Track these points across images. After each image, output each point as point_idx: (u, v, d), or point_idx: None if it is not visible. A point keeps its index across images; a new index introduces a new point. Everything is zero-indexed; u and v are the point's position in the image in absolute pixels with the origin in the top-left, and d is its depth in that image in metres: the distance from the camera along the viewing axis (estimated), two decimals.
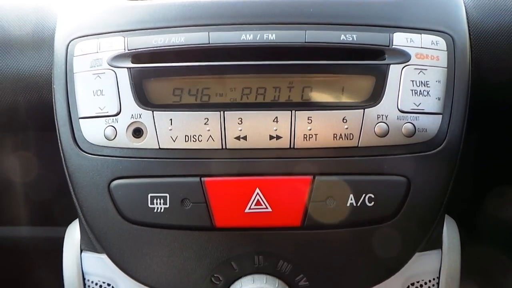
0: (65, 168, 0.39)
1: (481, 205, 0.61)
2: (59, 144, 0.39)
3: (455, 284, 0.40)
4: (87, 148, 0.37)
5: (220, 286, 0.37)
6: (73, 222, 0.42)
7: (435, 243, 0.39)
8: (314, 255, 0.36)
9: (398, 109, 0.37)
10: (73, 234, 0.41)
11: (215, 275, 0.37)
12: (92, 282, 0.40)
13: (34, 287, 0.65)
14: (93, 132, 0.37)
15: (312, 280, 0.37)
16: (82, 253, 0.40)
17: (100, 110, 0.37)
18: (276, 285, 0.36)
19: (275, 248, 0.36)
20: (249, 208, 0.36)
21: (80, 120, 0.38)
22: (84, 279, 0.40)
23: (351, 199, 0.36)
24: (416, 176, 0.37)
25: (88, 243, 0.40)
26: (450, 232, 0.40)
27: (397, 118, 0.37)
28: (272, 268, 0.37)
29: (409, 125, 0.37)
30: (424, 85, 0.37)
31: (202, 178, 0.36)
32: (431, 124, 0.37)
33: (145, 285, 0.38)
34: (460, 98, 0.38)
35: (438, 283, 0.39)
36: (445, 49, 0.38)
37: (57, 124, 0.38)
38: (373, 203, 0.36)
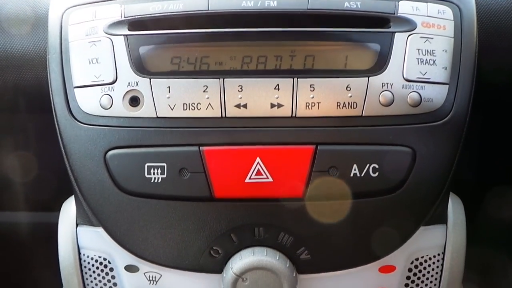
0: (59, 139, 0.37)
1: (486, 189, 0.60)
2: (54, 115, 0.38)
3: (461, 260, 0.39)
4: (82, 118, 0.36)
5: (219, 259, 0.36)
6: (68, 198, 0.41)
7: (440, 218, 0.38)
8: (316, 227, 0.35)
9: (404, 78, 0.35)
10: (68, 209, 0.40)
11: (214, 247, 0.36)
12: (88, 256, 0.38)
13: (32, 275, 0.65)
14: (88, 101, 0.36)
15: (314, 253, 0.36)
16: (78, 227, 0.39)
17: (96, 78, 0.36)
18: (277, 258, 0.35)
19: (276, 220, 0.35)
20: (249, 178, 0.34)
21: (75, 89, 0.36)
22: (79, 253, 0.39)
23: (355, 169, 0.34)
24: (422, 147, 0.36)
25: (84, 217, 0.38)
26: (455, 208, 0.39)
27: (402, 87, 0.35)
28: (273, 241, 0.36)
29: (415, 95, 0.35)
30: (430, 54, 0.36)
31: (200, 148, 0.35)
32: (437, 94, 0.36)
33: (142, 258, 0.37)
34: (466, 69, 0.37)
35: (443, 259, 0.38)
36: (452, 18, 0.37)
37: (52, 94, 0.37)
38: (377, 173, 0.35)
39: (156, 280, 0.38)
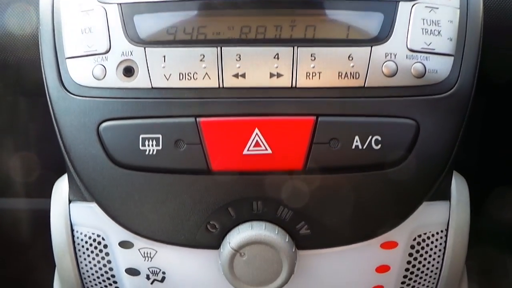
0: (51, 112, 0.36)
1: (488, 171, 0.60)
2: (45, 87, 0.36)
3: (465, 238, 0.37)
4: (74, 90, 0.35)
5: (216, 234, 0.35)
6: (61, 177, 0.40)
7: (444, 195, 0.37)
8: (316, 201, 0.34)
9: (408, 48, 0.34)
10: (60, 186, 0.38)
11: (210, 222, 0.34)
12: (81, 233, 0.37)
13: (28, 262, 0.64)
14: (80, 72, 0.34)
15: (314, 228, 0.34)
16: (70, 204, 0.37)
17: (89, 48, 0.34)
18: (276, 232, 0.34)
19: (275, 194, 0.34)
20: (248, 150, 0.33)
21: (67, 60, 0.35)
22: (72, 230, 0.37)
23: (357, 141, 0.33)
24: (426, 119, 0.34)
25: (77, 193, 0.37)
26: (459, 186, 0.37)
27: (406, 57, 0.34)
28: (272, 215, 0.34)
29: (419, 65, 0.34)
30: (435, 24, 0.35)
31: (197, 119, 0.33)
32: (442, 65, 0.34)
33: (136, 234, 0.35)
34: (472, 41, 0.35)
35: (446, 236, 0.37)
36: None
37: (43, 66, 0.36)
38: (380, 145, 0.33)
39: (151, 256, 0.36)
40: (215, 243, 0.35)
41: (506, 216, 0.60)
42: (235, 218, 0.34)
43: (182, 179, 0.34)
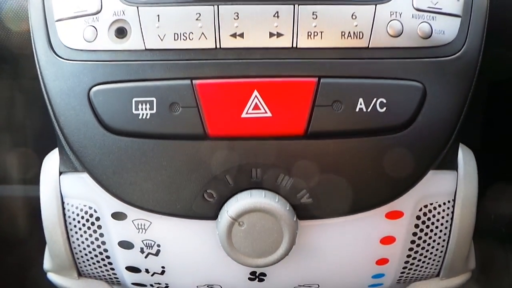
0: (40, 78, 0.34)
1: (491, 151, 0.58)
2: (34, 52, 0.35)
3: (472, 209, 0.36)
4: (64, 53, 0.33)
5: (214, 204, 0.33)
6: (52, 151, 0.38)
7: (451, 164, 0.35)
8: (319, 168, 0.32)
9: (413, 7, 0.32)
10: (51, 158, 0.36)
11: (207, 191, 0.33)
12: (72, 205, 0.35)
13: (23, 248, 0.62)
14: (70, 35, 0.32)
15: (316, 196, 0.32)
16: (61, 176, 0.36)
17: (79, 9, 0.32)
18: (276, 200, 0.32)
19: (275, 160, 0.32)
20: (246, 113, 0.31)
21: (56, 23, 0.33)
22: (63, 203, 0.35)
23: (361, 104, 0.31)
24: (433, 83, 0.32)
25: (67, 164, 0.35)
26: (466, 157, 0.36)
27: (412, 17, 0.32)
28: (271, 183, 0.32)
29: (425, 25, 0.32)
30: None
31: (193, 81, 0.31)
32: (449, 26, 0.33)
33: (130, 204, 0.33)
34: (480, 2, 0.34)
35: (453, 206, 0.35)
36: None
37: (31, 30, 0.34)
38: (385, 108, 0.31)
39: (145, 228, 0.34)
40: (212, 213, 0.33)
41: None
42: (233, 187, 0.33)
43: (177, 145, 0.32)
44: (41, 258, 0.41)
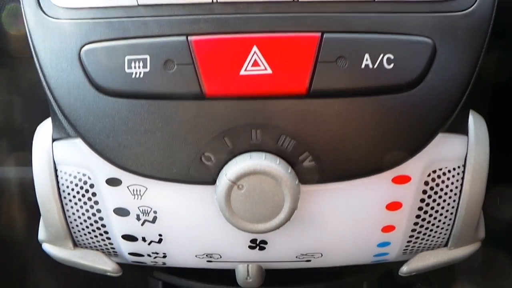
0: (29, 40, 0.32)
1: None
2: (23, 13, 0.33)
3: (483, 175, 0.34)
4: (53, 12, 0.31)
5: (212, 167, 0.31)
6: (44, 120, 0.37)
7: (461, 128, 0.33)
8: (322, 129, 0.30)
9: None
10: (43, 127, 0.35)
11: (205, 154, 0.31)
12: (65, 173, 0.34)
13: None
14: None
15: (319, 159, 0.31)
16: (54, 143, 0.34)
17: None
18: (277, 163, 0.30)
19: (276, 120, 0.30)
20: (245, 70, 0.29)
21: None
22: (56, 171, 0.34)
23: (367, 60, 0.29)
24: (443, 39, 0.30)
25: (60, 130, 0.33)
26: (476, 121, 0.34)
27: None
28: (272, 145, 0.31)
29: None
30: None
31: (188, 37, 0.29)
32: None
33: (124, 169, 0.32)
34: None
35: (463, 172, 0.34)
36: None
37: None
38: (392, 65, 0.29)
39: (141, 194, 0.33)
40: (210, 178, 0.31)
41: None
42: (232, 149, 0.31)
43: (172, 105, 0.30)
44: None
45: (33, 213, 0.38)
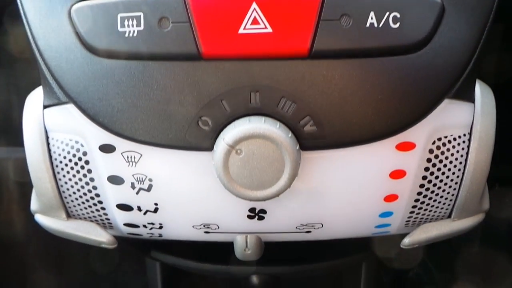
0: (18, 2, 0.31)
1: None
2: None
3: (490, 143, 0.32)
4: None
5: (209, 132, 0.29)
6: (36, 88, 0.35)
7: (467, 95, 0.32)
8: (324, 92, 0.29)
9: None
10: (34, 95, 0.33)
11: (202, 118, 0.29)
12: (57, 140, 0.32)
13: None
14: None
15: (320, 123, 0.29)
16: (45, 110, 0.32)
17: None
18: (277, 127, 0.29)
19: (276, 82, 0.28)
20: (244, 28, 0.28)
21: None
22: (47, 138, 0.33)
23: (372, 18, 0.28)
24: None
25: (51, 95, 0.32)
26: (483, 90, 0.32)
27: None
28: (272, 109, 0.29)
29: None
30: None
31: None
32: None
33: (118, 135, 0.30)
34: None
35: (469, 140, 0.32)
36: None
37: None
38: (398, 24, 0.28)
39: (136, 161, 0.31)
40: (207, 144, 0.30)
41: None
42: (230, 113, 0.29)
43: (168, 66, 0.29)
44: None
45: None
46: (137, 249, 0.53)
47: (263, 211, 0.33)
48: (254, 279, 0.49)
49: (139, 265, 0.56)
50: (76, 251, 0.60)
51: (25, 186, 0.39)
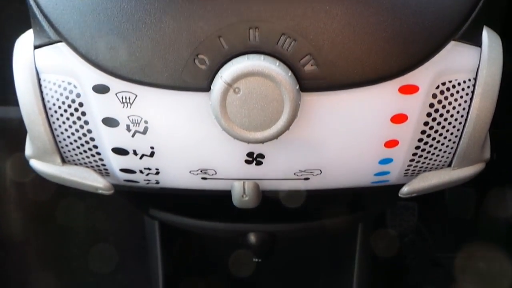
0: None
1: None
2: None
3: (495, 89, 0.31)
4: None
5: (206, 71, 0.28)
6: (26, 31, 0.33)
7: (474, 39, 0.30)
8: (326, 29, 0.27)
9: None
10: (24, 36, 0.31)
11: (199, 55, 0.28)
12: (49, 82, 0.31)
13: None
14: None
15: (321, 63, 0.28)
16: (35, 50, 0.31)
17: None
18: (277, 65, 0.27)
19: (276, 18, 0.27)
20: None
21: None
22: (39, 80, 0.31)
23: None
24: None
25: (41, 35, 0.30)
26: (490, 35, 0.31)
27: None
28: (271, 46, 0.28)
29: None
30: None
31: None
32: None
33: (112, 74, 0.29)
34: None
35: (474, 85, 0.31)
36: None
37: None
38: None
39: (130, 102, 0.30)
40: (204, 83, 0.28)
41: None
42: (228, 50, 0.28)
43: (163, 0, 0.27)
44: None
45: None
46: (136, 207, 0.53)
47: (261, 155, 0.32)
48: (251, 237, 0.49)
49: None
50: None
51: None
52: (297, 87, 0.28)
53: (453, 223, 0.63)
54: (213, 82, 0.28)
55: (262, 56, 0.27)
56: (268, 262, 0.51)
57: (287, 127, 0.28)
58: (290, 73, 0.28)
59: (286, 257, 0.56)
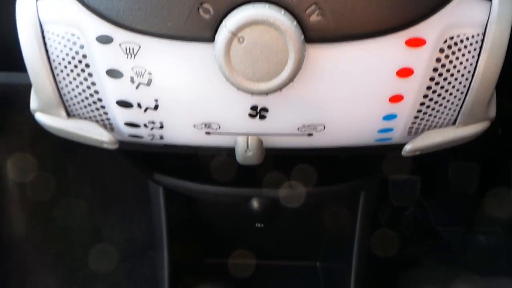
0: None
1: None
2: None
3: (503, 45, 0.30)
4: None
5: (210, 21, 0.27)
6: None
7: None
8: None
9: None
10: None
11: (203, 4, 0.27)
12: (53, 33, 0.30)
13: None
14: None
15: (327, 13, 0.27)
16: (38, 1, 0.30)
17: None
18: (282, 13, 0.27)
19: None
20: None
21: None
22: (42, 32, 0.31)
23: None
24: None
25: None
26: None
27: None
28: None
29: None
30: None
31: None
32: None
33: (115, 24, 0.28)
34: None
35: (482, 41, 0.30)
36: None
37: None
38: None
39: (134, 53, 0.30)
40: (208, 33, 0.28)
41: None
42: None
43: None
44: None
45: None
46: (140, 171, 0.53)
47: (265, 109, 0.32)
48: (254, 203, 0.49)
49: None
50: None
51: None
52: (302, 37, 0.27)
53: (455, 198, 0.63)
54: (217, 32, 0.28)
55: (267, 5, 0.27)
56: (270, 228, 0.52)
57: (291, 78, 0.28)
58: (295, 22, 0.27)
59: (287, 225, 0.56)
